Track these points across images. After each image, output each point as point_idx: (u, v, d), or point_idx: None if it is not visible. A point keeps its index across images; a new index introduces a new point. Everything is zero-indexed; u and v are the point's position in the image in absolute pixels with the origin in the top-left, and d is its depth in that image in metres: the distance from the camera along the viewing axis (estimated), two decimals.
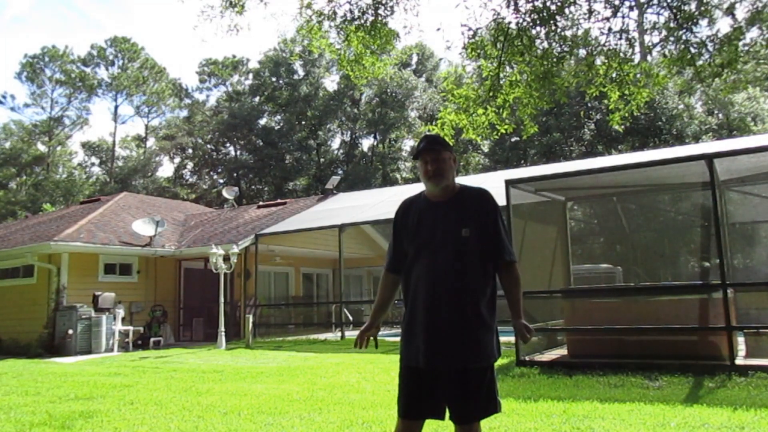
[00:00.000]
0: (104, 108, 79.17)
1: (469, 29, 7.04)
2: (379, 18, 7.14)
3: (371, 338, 2.97)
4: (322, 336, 14.51)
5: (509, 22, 6.78)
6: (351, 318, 16.54)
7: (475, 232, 2.74)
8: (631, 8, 7.14)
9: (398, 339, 2.87)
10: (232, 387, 6.98)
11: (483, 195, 2.87)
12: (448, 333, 2.67)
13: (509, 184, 8.35)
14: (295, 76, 41.33)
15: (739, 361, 6.71)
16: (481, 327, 2.70)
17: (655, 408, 5.09)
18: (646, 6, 8.38)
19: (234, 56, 46.42)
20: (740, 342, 7.44)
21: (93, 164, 49.21)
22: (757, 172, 8.71)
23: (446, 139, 3.09)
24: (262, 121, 42.83)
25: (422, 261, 2.77)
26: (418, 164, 2.90)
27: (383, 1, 7.12)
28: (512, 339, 7.94)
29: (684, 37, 6.55)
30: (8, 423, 5.23)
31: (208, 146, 44.28)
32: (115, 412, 5.60)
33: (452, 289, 2.69)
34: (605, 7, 6.96)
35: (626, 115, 7.35)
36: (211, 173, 44.70)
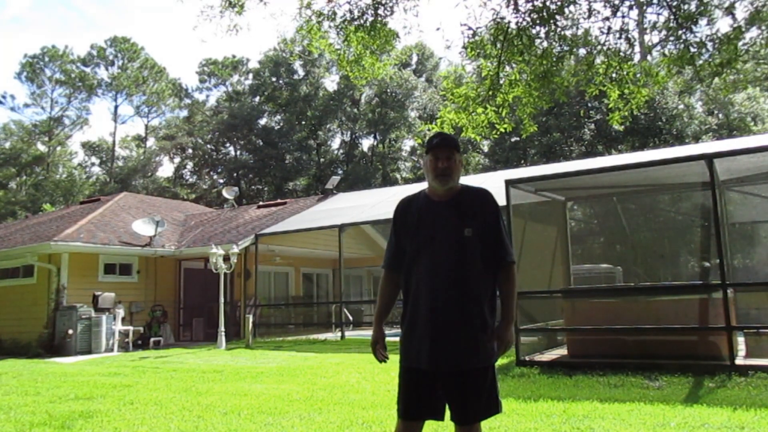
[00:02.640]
0: (104, 108, 79.29)
1: (469, 29, 7.04)
2: (379, 18, 7.14)
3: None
4: (322, 336, 14.52)
5: (509, 22, 6.79)
6: (351, 318, 16.54)
7: (476, 232, 2.71)
8: (630, 8, 7.13)
9: (398, 339, 2.84)
10: (232, 387, 6.98)
11: (485, 195, 2.85)
12: (451, 334, 2.65)
13: (509, 184, 8.35)
14: (295, 76, 41.34)
15: (739, 361, 6.71)
16: (483, 327, 2.68)
17: (655, 408, 5.09)
18: (645, 5, 8.38)
19: (234, 56, 46.47)
20: (740, 342, 7.43)
21: (93, 164, 49.28)
22: (757, 172, 8.71)
23: None
24: (262, 121, 42.84)
25: (423, 260, 2.74)
26: (427, 159, 2.83)
27: (383, 2, 7.12)
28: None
29: (684, 37, 6.55)
30: (8, 423, 5.23)
31: (208, 146, 44.29)
32: (115, 412, 5.60)
33: (454, 289, 2.67)
34: (605, 7, 6.96)
35: (626, 114, 7.35)
36: (211, 173, 44.70)
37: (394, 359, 2.84)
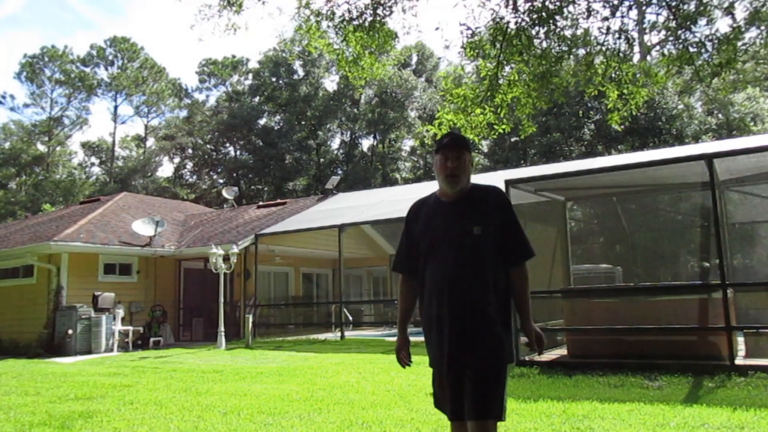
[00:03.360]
0: (104, 108, 79.25)
1: (468, 29, 7.04)
2: (378, 18, 7.14)
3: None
4: (322, 336, 14.52)
5: (508, 22, 6.78)
6: (351, 318, 16.55)
7: (487, 230, 2.70)
8: (630, 8, 7.14)
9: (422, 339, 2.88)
10: (231, 387, 6.98)
11: (495, 192, 2.84)
12: (466, 335, 2.64)
13: (509, 184, 8.35)
14: (295, 76, 41.35)
15: (738, 361, 6.71)
16: (497, 326, 2.66)
17: (654, 408, 5.09)
18: (645, 6, 8.38)
19: (234, 56, 46.48)
20: (740, 342, 7.44)
21: (93, 164, 49.29)
22: (756, 172, 8.71)
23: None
24: (262, 121, 42.84)
25: (434, 261, 2.73)
26: (437, 158, 2.82)
27: (382, 1, 7.12)
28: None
29: (683, 37, 6.54)
30: (8, 423, 5.23)
31: (208, 146, 44.29)
32: (114, 412, 5.60)
33: (465, 288, 2.65)
34: (604, 7, 6.96)
35: (626, 114, 7.34)
36: (211, 173, 44.71)
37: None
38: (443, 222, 2.77)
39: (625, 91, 7.01)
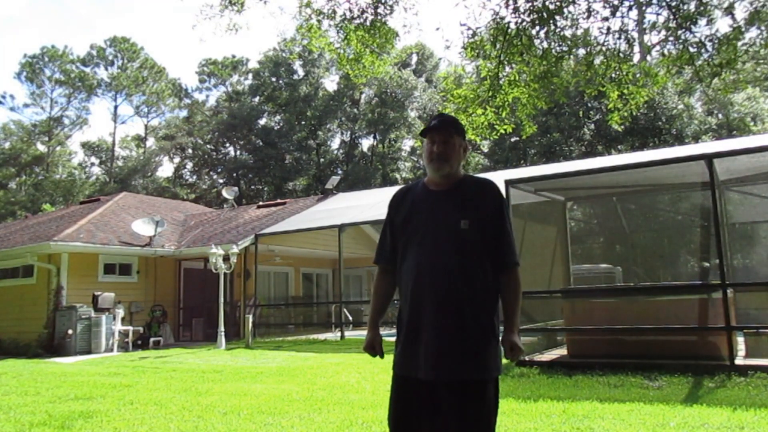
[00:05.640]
0: (104, 108, 79.13)
1: (469, 29, 7.04)
2: (379, 17, 7.15)
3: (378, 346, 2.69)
4: (321, 336, 14.52)
5: (508, 22, 6.78)
6: (351, 318, 16.55)
7: (475, 224, 2.42)
8: (630, 8, 7.14)
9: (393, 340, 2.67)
10: (231, 387, 6.98)
11: (488, 185, 2.57)
12: (442, 340, 2.35)
13: (509, 184, 8.34)
14: (295, 76, 41.35)
15: (738, 361, 6.71)
16: (481, 333, 2.37)
17: (654, 408, 5.09)
18: (645, 6, 8.39)
19: (234, 56, 46.47)
20: (740, 342, 7.44)
21: (93, 164, 49.27)
22: (756, 172, 8.71)
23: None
24: (262, 121, 42.84)
25: (414, 254, 2.45)
26: (424, 143, 2.58)
27: (383, 0, 7.12)
28: None
29: (683, 37, 6.55)
30: (8, 423, 5.22)
31: (208, 146, 44.29)
32: (114, 412, 5.60)
33: (447, 286, 2.37)
34: (604, 7, 6.96)
35: (625, 114, 7.35)
36: (211, 173, 44.72)
37: (389, 359, 2.79)
38: (427, 211, 2.50)
39: (625, 91, 7.02)
